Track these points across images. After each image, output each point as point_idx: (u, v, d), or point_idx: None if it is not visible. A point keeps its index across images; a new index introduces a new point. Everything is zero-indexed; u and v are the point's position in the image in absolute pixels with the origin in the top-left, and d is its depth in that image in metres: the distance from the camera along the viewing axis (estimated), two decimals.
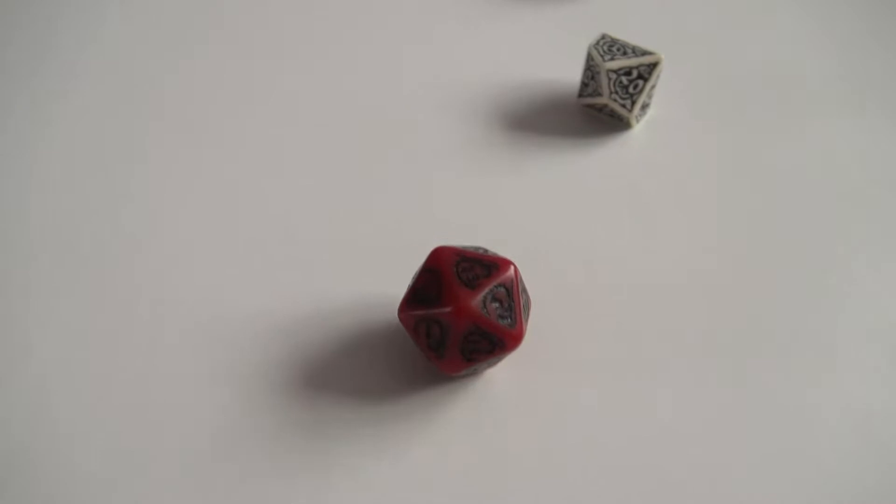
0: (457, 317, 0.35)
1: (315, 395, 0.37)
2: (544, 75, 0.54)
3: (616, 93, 0.49)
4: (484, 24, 0.57)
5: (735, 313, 0.42)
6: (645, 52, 0.49)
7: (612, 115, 0.51)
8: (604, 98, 0.49)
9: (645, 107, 0.51)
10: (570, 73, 0.54)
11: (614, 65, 0.48)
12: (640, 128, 0.51)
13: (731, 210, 0.47)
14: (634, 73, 0.48)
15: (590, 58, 0.49)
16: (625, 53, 0.49)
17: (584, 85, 0.51)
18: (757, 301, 0.42)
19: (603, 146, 0.50)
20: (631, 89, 0.49)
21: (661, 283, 0.43)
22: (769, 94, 0.53)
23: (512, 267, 0.36)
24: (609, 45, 0.49)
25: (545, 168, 0.49)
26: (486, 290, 0.35)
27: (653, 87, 0.49)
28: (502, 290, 0.35)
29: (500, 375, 0.38)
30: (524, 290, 0.37)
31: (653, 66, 0.48)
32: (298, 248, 0.44)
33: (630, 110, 0.49)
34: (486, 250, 0.37)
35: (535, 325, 0.41)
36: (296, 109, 0.51)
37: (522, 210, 0.47)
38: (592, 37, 0.56)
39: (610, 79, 0.49)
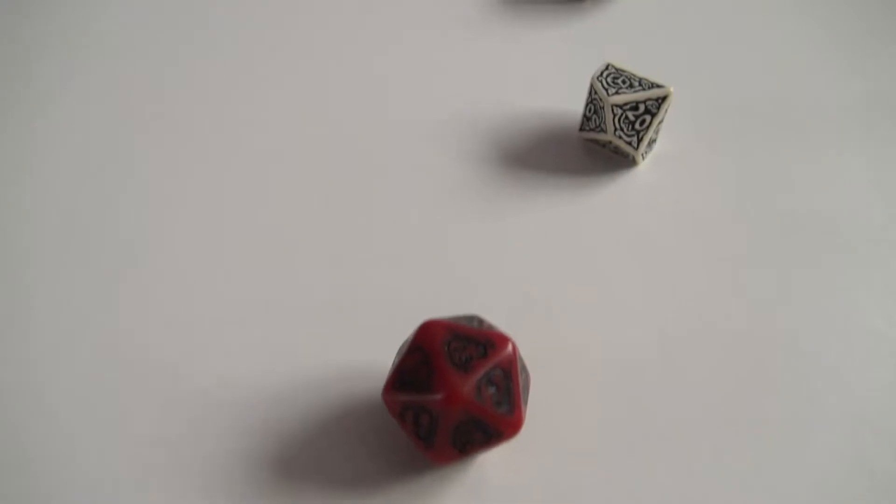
0: (448, 405, 0.31)
1: (289, 479, 0.34)
2: (543, 105, 0.50)
3: (621, 129, 0.45)
4: (478, 48, 0.53)
5: (759, 377, 0.38)
6: (653, 85, 0.45)
7: (617, 151, 0.47)
8: (608, 135, 0.46)
9: (652, 142, 0.47)
10: (570, 103, 0.50)
11: (620, 99, 0.44)
12: (647, 164, 0.47)
13: (749, 257, 0.43)
14: (641, 109, 0.45)
15: (593, 91, 0.45)
16: (631, 86, 0.45)
17: (586, 119, 0.47)
18: (781, 361, 0.39)
19: (606, 186, 0.46)
20: (637, 125, 0.45)
21: (673, 343, 0.40)
22: (781, 124, 0.49)
23: (510, 345, 0.32)
24: (613, 77, 0.45)
25: (543, 211, 0.45)
26: (482, 373, 0.31)
27: (661, 121, 0.46)
28: (499, 372, 0.32)
29: (495, 459, 0.35)
30: (524, 367, 0.33)
31: (661, 100, 0.45)
32: (274, 308, 0.40)
33: (636, 148, 0.46)
34: (480, 321, 0.34)
35: (534, 399, 0.37)
36: (274, 145, 0.47)
37: (519, 259, 0.43)
38: (595, 63, 0.53)
39: (615, 114, 0.45)
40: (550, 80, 0.51)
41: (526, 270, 0.42)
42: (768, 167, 0.47)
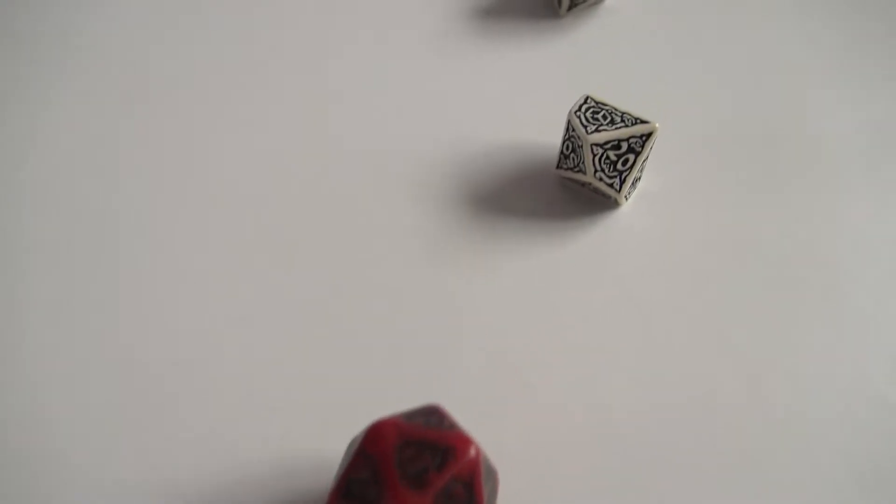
0: None
1: None
2: (516, 136, 0.46)
3: (602, 170, 0.41)
4: (444, 72, 0.49)
5: (757, 448, 0.34)
6: (636, 120, 0.40)
7: (597, 192, 0.42)
8: (587, 176, 0.41)
9: (636, 181, 0.42)
10: (546, 134, 0.46)
11: (600, 138, 0.40)
12: (631, 204, 0.43)
13: (745, 311, 0.39)
14: (624, 147, 0.40)
15: (570, 127, 0.41)
16: (612, 122, 0.40)
17: (563, 156, 0.42)
18: (778, 430, 0.35)
19: (586, 230, 0.42)
20: (620, 165, 0.41)
21: (665, 416, 0.36)
22: (777, 156, 0.45)
23: (472, 449, 0.28)
24: (593, 112, 0.41)
25: (516, 263, 0.41)
26: (439, 488, 0.27)
27: (645, 159, 0.41)
28: (459, 486, 0.27)
29: None
30: (489, 472, 0.29)
31: (646, 137, 0.40)
32: (203, 391, 0.36)
33: (619, 190, 0.41)
34: (440, 418, 0.30)
35: (506, 496, 0.33)
36: (216, 188, 0.43)
37: (489, 322, 0.39)
38: (573, 88, 0.48)
39: (595, 154, 0.40)
40: (525, 107, 0.47)
41: (497, 335, 0.38)
42: (764, 205, 0.43)
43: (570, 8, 0.51)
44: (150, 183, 0.43)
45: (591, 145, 0.40)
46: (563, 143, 0.42)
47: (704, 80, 0.48)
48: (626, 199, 0.42)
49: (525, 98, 0.47)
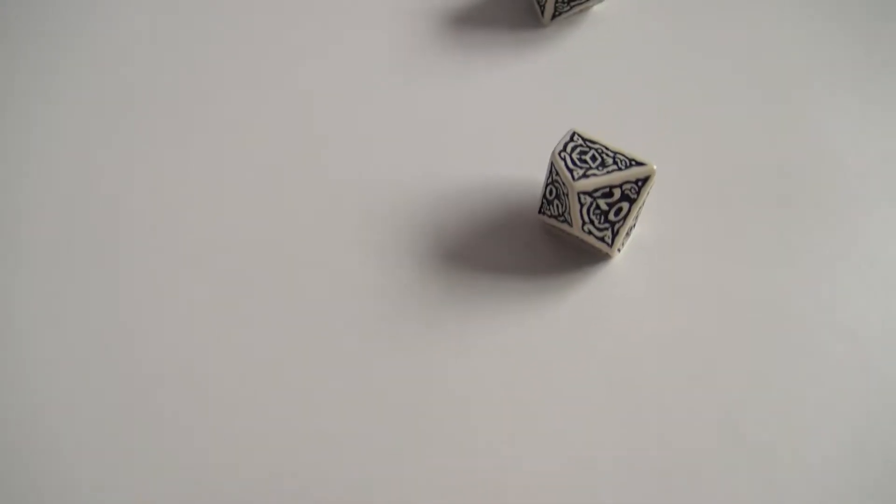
0: None
1: None
2: (493, 171, 0.40)
3: (591, 223, 0.35)
4: (413, 95, 0.42)
5: None
6: (631, 162, 0.35)
7: (585, 243, 0.37)
8: (573, 228, 0.35)
9: (631, 229, 0.37)
10: (527, 167, 0.40)
11: (588, 185, 0.34)
12: (624, 256, 0.37)
13: (756, 390, 0.33)
14: (617, 195, 0.34)
15: (554, 170, 0.35)
16: (603, 164, 0.34)
17: (546, 201, 0.36)
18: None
19: (572, 288, 0.36)
20: (612, 216, 0.35)
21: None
22: (791, 196, 0.39)
23: None
24: (581, 152, 0.35)
25: (489, 334, 0.35)
26: None
27: (642, 206, 0.35)
28: None
29: None
30: None
31: (643, 181, 0.34)
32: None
33: (611, 244, 0.35)
34: None
35: None
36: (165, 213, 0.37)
37: (461, 399, 0.33)
38: (557, 116, 0.42)
39: (583, 204, 0.34)
40: (502, 137, 0.41)
41: (469, 415, 0.33)
42: (777, 255, 0.37)
43: (554, 16, 0.45)
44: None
45: (579, 194, 0.34)
46: (546, 186, 0.36)
47: (706, 104, 0.42)
48: (619, 250, 0.37)
49: (503, 125, 0.41)
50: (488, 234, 0.38)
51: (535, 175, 0.39)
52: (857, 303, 0.36)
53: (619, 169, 0.34)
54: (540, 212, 0.37)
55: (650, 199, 0.38)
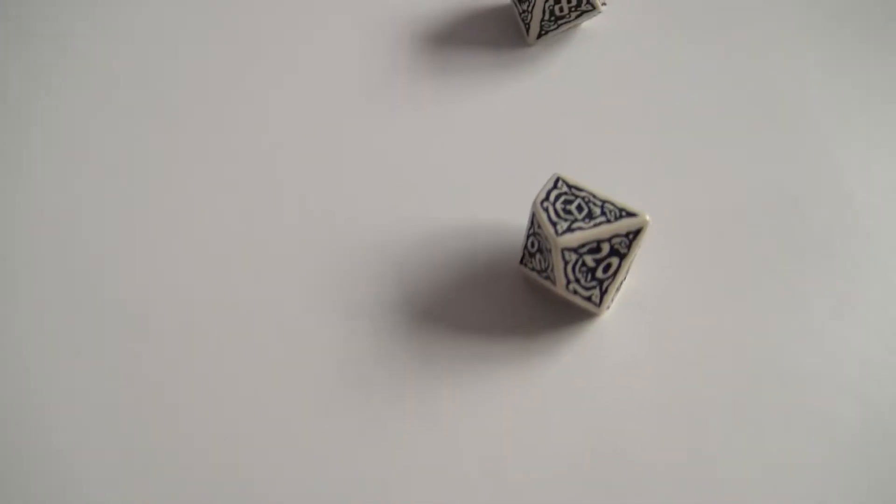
0: None
1: None
2: (469, 214, 0.36)
3: (577, 281, 0.31)
4: (383, 126, 0.39)
5: None
6: (621, 213, 0.31)
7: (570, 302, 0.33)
8: (557, 287, 0.32)
9: (621, 283, 0.33)
10: (509, 210, 0.36)
11: (574, 240, 0.30)
12: (613, 312, 0.34)
13: (756, 459, 0.30)
14: (606, 250, 0.31)
15: (535, 223, 0.32)
16: (590, 216, 0.31)
17: (528, 253, 0.33)
18: None
19: (556, 348, 0.33)
20: (600, 273, 0.31)
21: None
22: (800, 240, 0.35)
23: None
24: (565, 202, 0.31)
25: (464, 396, 0.32)
26: None
27: (633, 260, 0.32)
28: None
29: None
30: None
31: (635, 234, 0.31)
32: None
33: (599, 303, 0.32)
34: None
35: None
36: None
37: (429, 470, 0.30)
38: (540, 150, 0.38)
39: (567, 261, 0.31)
40: (481, 173, 0.37)
41: (442, 495, 0.29)
42: (778, 305, 0.34)
43: (539, 35, 0.41)
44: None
45: (563, 250, 0.31)
46: (528, 237, 0.33)
47: (706, 133, 0.38)
48: (608, 308, 0.33)
49: (482, 161, 0.38)
50: (464, 286, 0.34)
51: (516, 218, 0.36)
52: (870, 361, 0.32)
53: (608, 221, 0.31)
54: (521, 262, 0.33)
55: (643, 247, 0.35)
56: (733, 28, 0.42)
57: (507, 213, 0.36)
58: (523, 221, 0.35)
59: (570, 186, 0.32)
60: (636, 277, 0.34)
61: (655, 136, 0.38)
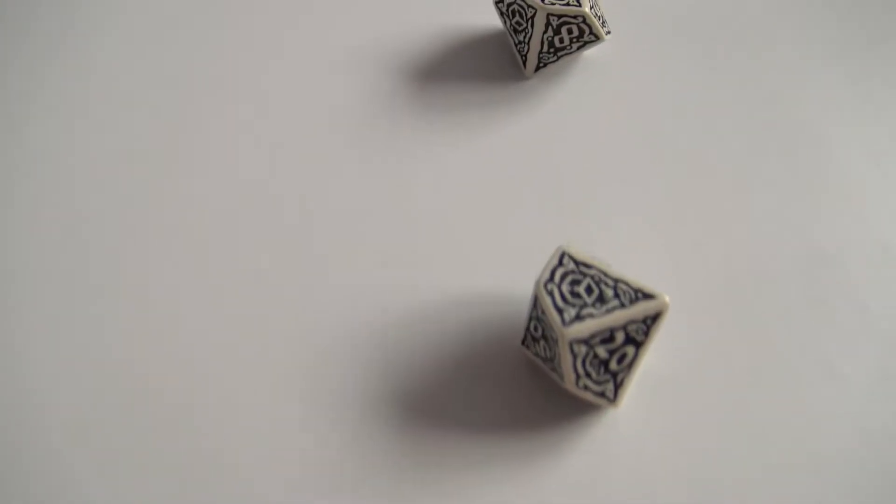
0: None
1: None
2: (463, 286, 0.32)
3: (588, 376, 0.27)
4: (363, 180, 0.35)
5: None
6: (638, 294, 0.27)
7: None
8: (566, 383, 0.28)
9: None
10: (506, 281, 0.32)
11: (584, 330, 0.26)
12: (629, 399, 0.30)
13: None
14: (620, 339, 0.27)
15: (539, 307, 0.27)
16: (601, 299, 0.27)
17: (531, 336, 0.29)
18: None
19: (564, 443, 0.29)
20: (614, 365, 0.27)
21: None
22: (826, 303, 0.31)
23: None
24: (573, 282, 0.27)
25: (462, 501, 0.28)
26: None
27: (651, 347, 0.28)
28: None
29: None
30: None
31: (653, 319, 0.27)
32: None
33: (613, 399, 0.28)
34: None
35: None
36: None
37: None
38: (539, 207, 0.34)
39: (576, 354, 0.27)
40: (474, 236, 0.33)
41: None
42: (815, 379, 0.30)
43: (538, 68, 0.37)
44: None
45: (571, 343, 0.26)
46: (530, 319, 0.28)
47: (724, 176, 0.34)
48: (622, 399, 0.29)
49: (476, 217, 0.33)
50: (460, 368, 0.30)
51: (516, 289, 0.31)
52: None
53: (623, 305, 0.27)
54: (523, 343, 0.29)
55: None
56: (747, 51, 0.37)
57: (507, 279, 0.32)
58: (526, 289, 0.31)
59: (577, 263, 0.28)
60: (654, 358, 0.30)
61: (668, 182, 0.34)
